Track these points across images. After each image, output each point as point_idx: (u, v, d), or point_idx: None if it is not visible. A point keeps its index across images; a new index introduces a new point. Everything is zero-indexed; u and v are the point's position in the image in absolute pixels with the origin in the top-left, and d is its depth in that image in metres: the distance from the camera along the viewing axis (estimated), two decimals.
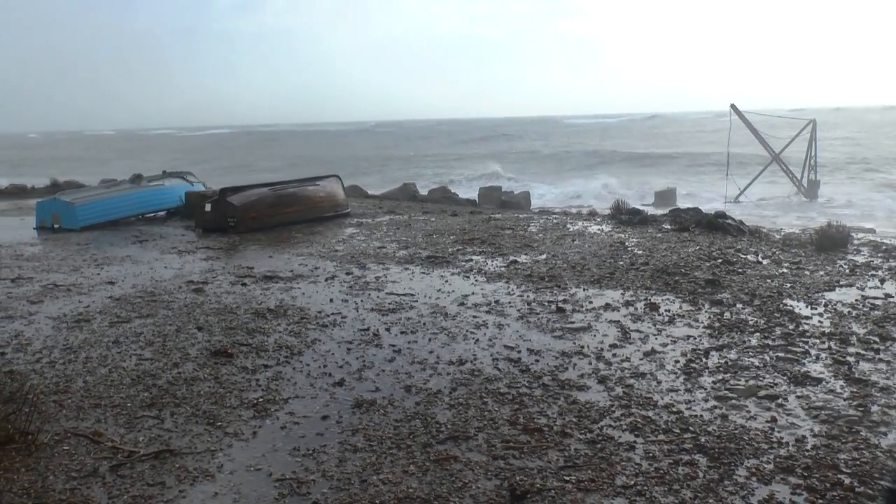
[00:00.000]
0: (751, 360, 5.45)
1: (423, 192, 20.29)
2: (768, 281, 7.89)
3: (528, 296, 7.48)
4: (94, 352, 5.86)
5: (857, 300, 7.05)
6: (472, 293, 7.65)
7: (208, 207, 12.88)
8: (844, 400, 4.67)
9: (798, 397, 4.74)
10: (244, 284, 8.24)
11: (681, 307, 6.96)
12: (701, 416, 4.48)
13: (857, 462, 3.85)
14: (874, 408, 4.53)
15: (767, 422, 4.38)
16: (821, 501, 3.50)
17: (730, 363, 5.38)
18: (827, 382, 4.98)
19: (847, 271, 8.34)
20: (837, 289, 7.54)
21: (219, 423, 4.47)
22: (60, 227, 13.14)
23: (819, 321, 6.40)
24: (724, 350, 5.69)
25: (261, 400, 4.83)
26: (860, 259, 9.04)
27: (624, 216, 12.83)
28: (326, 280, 8.41)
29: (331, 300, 7.44)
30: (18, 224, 14.03)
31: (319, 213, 13.85)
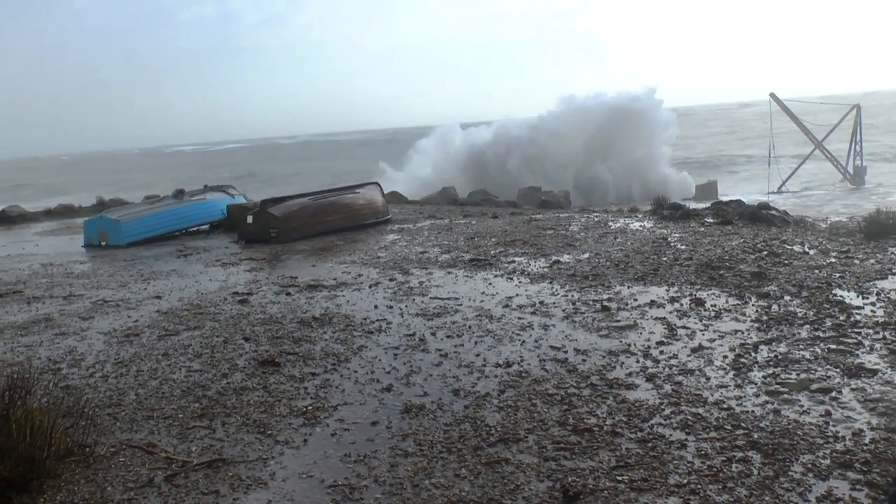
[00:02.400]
0: (801, 353, 5.36)
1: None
2: (816, 271, 7.74)
3: (572, 295, 7.45)
4: (144, 365, 5.96)
5: None
6: (517, 295, 7.63)
7: (250, 219, 13.05)
8: None
9: (853, 390, 4.64)
10: (289, 294, 8.32)
11: (727, 301, 6.86)
12: (752, 411, 4.41)
13: None
14: None
15: (822, 416, 4.30)
16: (883, 497, 3.42)
17: (780, 357, 5.29)
18: (883, 374, 4.86)
19: None
20: (890, 277, 7.37)
21: (269, 432, 4.52)
22: (107, 243, 13.41)
23: (872, 311, 6.27)
24: (774, 344, 5.60)
25: (310, 407, 4.87)
26: None
27: (665, 211, 12.70)
28: (370, 287, 8.46)
29: (375, 307, 7.48)
30: (68, 242, 14.35)
31: (360, 221, 13.93)
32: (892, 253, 8.45)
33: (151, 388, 5.41)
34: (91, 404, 4.97)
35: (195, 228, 15.11)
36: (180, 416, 4.85)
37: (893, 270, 7.60)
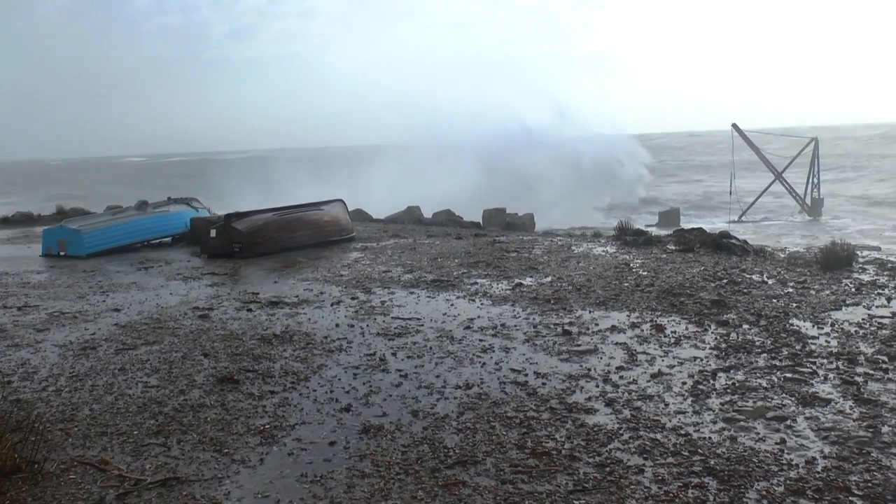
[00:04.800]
0: (758, 381, 5.43)
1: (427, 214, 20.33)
2: (774, 301, 7.87)
3: (533, 318, 7.48)
4: (100, 379, 5.85)
5: (863, 319, 7.03)
6: (478, 316, 7.64)
7: (213, 233, 12.93)
8: (854, 421, 4.64)
9: (807, 418, 4.71)
10: (250, 310, 8.25)
11: (687, 328, 6.94)
12: (709, 438, 4.45)
13: (869, 484, 3.82)
14: (884, 428, 4.50)
15: (777, 443, 4.35)
16: None
17: (737, 384, 5.36)
18: (836, 403, 4.95)
19: (853, 290, 8.32)
20: (844, 308, 7.52)
21: (226, 450, 4.46)
22: (67, 254, 13.19)
23: (826, 341, 6.38)
24: (732, 371, 5.67)
25: (268, 426, 4.81)
26: (866, 277, 9.02)
27: (628, 237, 12.83)
28: (332, 305, 8.42)
29: (337, 325, 7.44)
30: (25, 251, 14.08)
31: (325, 238, 13.87)
32: (846, 284, 8.63)
33: (106, 403, 5.31)
34: (42, 419, 4.87)
35: (157, 241, 14.93)
36: (135, 432, 4.76)
37: (847, 302, 7.76)
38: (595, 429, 4.64)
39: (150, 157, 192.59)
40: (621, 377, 5.61)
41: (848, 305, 7.62)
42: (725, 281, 8.95)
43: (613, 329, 6.99)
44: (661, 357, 6.10)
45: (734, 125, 36.48)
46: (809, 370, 5.62)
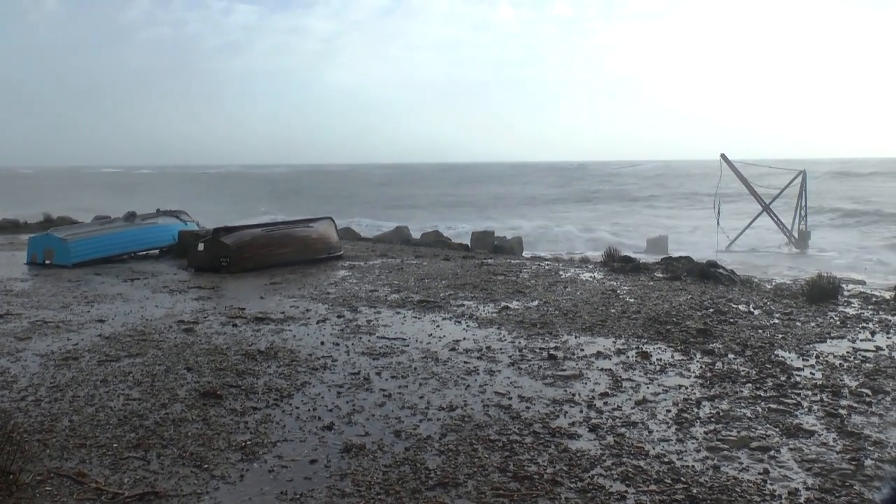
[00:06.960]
0: (743, 410, 5.43)
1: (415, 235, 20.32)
2: (760, 331, 7.89)
3: (519, 342, 7.46)
4: (81, 390, 5.80)
5: (848, 352, 7.05)
6: (464, 338, 7.62)
7: (201, 247, 12.88)
8: (837, 453, 4.64)
9: (791, 449, 4.71)
10: (235, 325, 8.20)
11: (672, 356, 6.94)
12: (693, 466, 4.44)
13: None
14: (867, 461, 4.50)
15: (760, 474, 4.35)
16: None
17: (721, 414, 5.36)
18: (819, 435, 4.95)
19: (838, 323, 8.36)
20: (829, 340, 7.55)
21: (206, 466, 4.41)
22: (52, 262, 13.11)
23: (811, 373, 6.39)
24: (716, 400, 5.67)
25: (249, 443, 4.77)
26: (851, 311, 9.06)
27: (616, 263, 12.86)
28: (318, 323, 8.38)
29: (322, 343, 7.40)
30: (9, 259, 13.98)
31: (313, 255, 13.84)
32: (832, 317, 8.66)
33: (87, 414, 5.25)
34: (20, 429, 4.80)
35: (144, 253, 14.87)
36: (115, 445, 4.71)
37: (832, 334, 7.79)
38: (578, 454, 4.62)
39: (123, 168, 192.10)
40: (606, 403, 5.60)
41: (833, 338, 7.64)
42: (712, 310, 8.97)
43: (599, 355, 6.99)
44: (646, 384, 6.09)
45: (723, 155, 36.73)
46: (794, 401, 5.63)
